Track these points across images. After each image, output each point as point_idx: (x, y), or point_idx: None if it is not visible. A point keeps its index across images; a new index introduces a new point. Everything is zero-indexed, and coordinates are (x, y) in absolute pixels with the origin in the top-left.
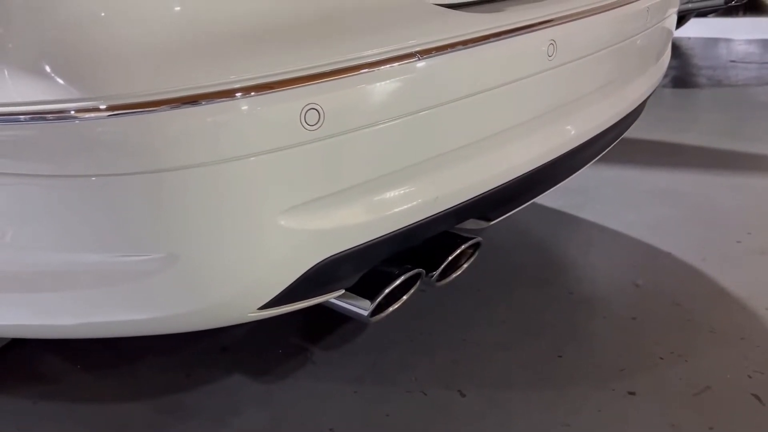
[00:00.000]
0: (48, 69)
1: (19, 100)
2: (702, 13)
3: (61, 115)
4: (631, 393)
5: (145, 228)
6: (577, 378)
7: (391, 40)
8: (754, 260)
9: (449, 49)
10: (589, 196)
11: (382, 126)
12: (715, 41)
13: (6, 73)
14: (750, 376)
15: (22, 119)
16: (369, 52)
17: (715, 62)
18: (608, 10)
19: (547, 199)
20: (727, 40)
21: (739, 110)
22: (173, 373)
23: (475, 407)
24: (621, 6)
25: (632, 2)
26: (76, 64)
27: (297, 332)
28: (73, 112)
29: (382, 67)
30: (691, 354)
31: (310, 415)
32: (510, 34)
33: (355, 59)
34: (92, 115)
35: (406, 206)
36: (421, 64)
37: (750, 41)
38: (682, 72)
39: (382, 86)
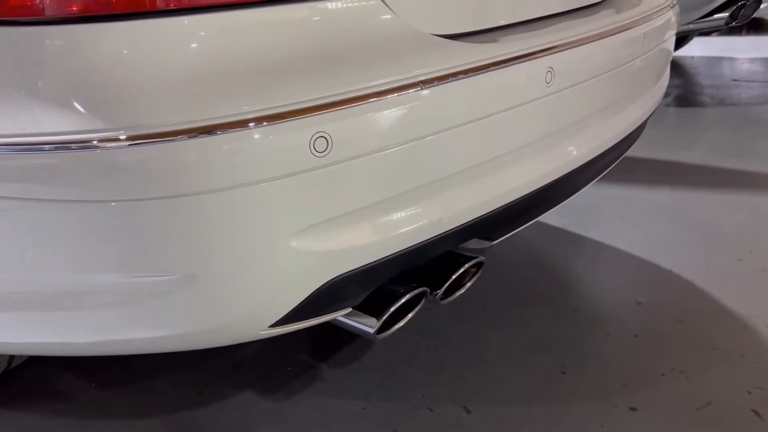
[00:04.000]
0: (71, 101)
1: (45, 131)
2: (705, 33)
3: (84, 145)
4: (633, 409)
5: (163, 250)
6: (580, 394)
7: (394, 71)
8: (756, 277)
9: (450, 78)
10: (593, 215)
11: (386, 152)
12: (718, 60)
13: (31, 104)
14: (750, 392)
15: (46, 149)
16: (373, 83)
17: (718, 81)
18: (605, 37)
19: (552, 217)
20: (731, 59)
21: (743, 129)
22: (186, 390)
23: (480, 423)
24: (618, 33)
25: (628, 29)
26: (98, 97)
27: (306, 350)
28: (95, 142)
29: (386, 97)
30: (693, 370)
31: None
32: (508, 63)
33: (361, 90)
34: (113, 144)
35: (411, 227)
36: (423, 92)
37: (753, 60)
38: (686, 91)
39: (386, 115)
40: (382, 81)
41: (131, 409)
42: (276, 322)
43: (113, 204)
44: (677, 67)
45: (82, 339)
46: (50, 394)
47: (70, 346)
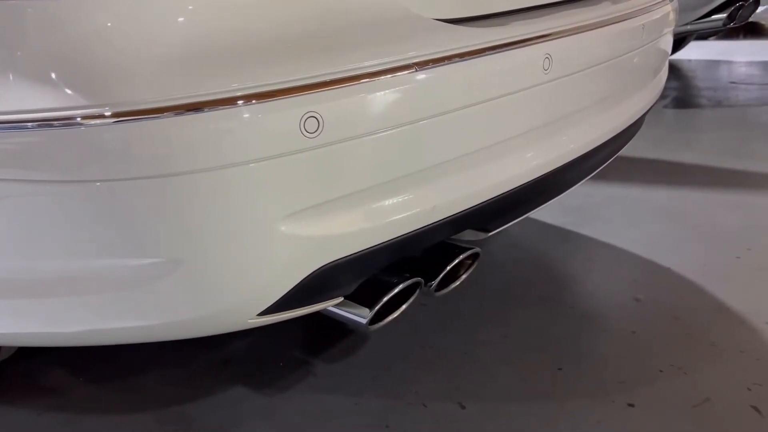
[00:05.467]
0: (55, 77)
1: (27, 107)
2: (702, 36)
3: (67, 122)
4: (631, 405)
5: (149, 232)
6: (577, 391)
7: (389, 52)
8: (754, 275)
9: (446, 62)
10: (591, 214)
11: (380, 135)
12: (715, 63)
13: (13, 80)
14: (749, 389)
15: (29, 126)
16: (368, 63)
17: (715, 83)
18: (604, 26)
19: (549, 215)
20: (728, 62)
21: (740, 130)
22: (176, 385)
23: (475, 420)
24: (616, 22)
25: (628, 19)
26: (82, 73)
27: (298, 345)
28: (79, 119)
29: (380, 78)
30: (691, 367)
31: (311, 428)
32: (506, 48)
33: (354, 70)
34: (98, 121)
35: (404, 214)
36: (418, 75)
37: (750, 63)
38: (684, 93)
39: (380, 96)
40: (376, 62)
41: (121, 404)
42: (265, 310)
43: (98, 184)
44: (675, 70)
45: (68, 328)
46: (38, 389)
47: (55, 335)
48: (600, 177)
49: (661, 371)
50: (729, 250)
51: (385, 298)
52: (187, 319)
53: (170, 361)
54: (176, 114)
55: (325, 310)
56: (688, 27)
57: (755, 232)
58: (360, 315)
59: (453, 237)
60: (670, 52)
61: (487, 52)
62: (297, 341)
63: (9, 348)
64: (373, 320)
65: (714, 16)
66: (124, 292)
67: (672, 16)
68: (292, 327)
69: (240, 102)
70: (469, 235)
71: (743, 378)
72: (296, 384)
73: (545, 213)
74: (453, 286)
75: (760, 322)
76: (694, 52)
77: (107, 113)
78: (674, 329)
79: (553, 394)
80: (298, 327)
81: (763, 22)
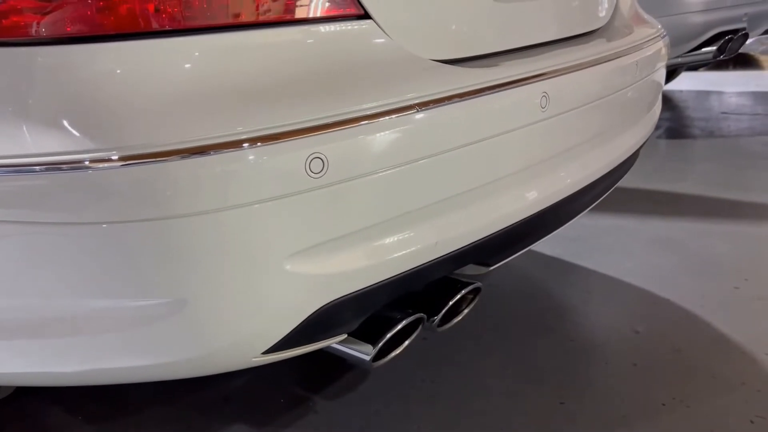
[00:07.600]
0: (64, 122)
1: (35, 151)
2: (693, 67)
3: (75, 165)
4: None
5: (154, 273)
6: (579, 425)
7: (391, 93)
8: (752, 306)
9: (446, 102)
10: (588, 245)
11: (383, 174)
12: (706, 94)
13: (22, 125)
14: (752, 421)
15: (37, 170)
16: (371, 105)
17: (707, 114)
18: (599, 64)
19: (547, 247)
20: (719, 93)
21: (732, 160)
22: (175, 423)
23: None
24: (611, 60)
25: (622, 56)
26: (90, 117)
27: (299, 381)
28: (87, 163)
29: (383, 119)
30: (693, 400)
31: None
32: (504, 87)
33: (358, 111)
34: (105, 165)
35: (407, 251)
36: (419, 115)
37: (741, 93)
38: (676, 123)
39: (383, 136)
40: (380, 103)
41: None
42: (270, 348)
43: (104, 226)
44: (667, 101)
45: (70, 368)
46: (36, 428)
47: (56, 375)
48: (596, 208)
49: (663, 404)
50: (727, 280)
51: (389, 335)
52: (192, 358)
53: (169, 399)
54: (182, 157)
55: (328, 346)
56: (679, 59)
57: (752, 262)
58: (364, 351)
59: (455, 272)
60: (663, 86)
61: (486, 92)
62: (297, 377)
63: (7, 387)
64: (377, 357)
65: (704, 49)
66: (127, 332)
67: (664, 51)
68: (292, 363)
69: (245, 145)
70: (470, 269)
71: (746, 410)
72: (297, 420)
73: (544, 245)
74: (455, 321)
75: (759, 353)
76: (685, 83)
77: (114, 157)
78: (675, 361)
79: (555, 428)
80: (298, 362)
81: (752, 54)
